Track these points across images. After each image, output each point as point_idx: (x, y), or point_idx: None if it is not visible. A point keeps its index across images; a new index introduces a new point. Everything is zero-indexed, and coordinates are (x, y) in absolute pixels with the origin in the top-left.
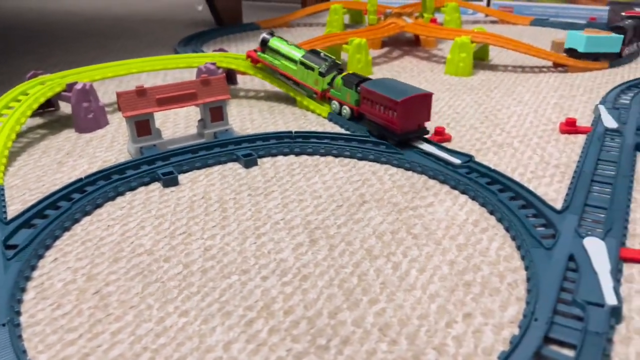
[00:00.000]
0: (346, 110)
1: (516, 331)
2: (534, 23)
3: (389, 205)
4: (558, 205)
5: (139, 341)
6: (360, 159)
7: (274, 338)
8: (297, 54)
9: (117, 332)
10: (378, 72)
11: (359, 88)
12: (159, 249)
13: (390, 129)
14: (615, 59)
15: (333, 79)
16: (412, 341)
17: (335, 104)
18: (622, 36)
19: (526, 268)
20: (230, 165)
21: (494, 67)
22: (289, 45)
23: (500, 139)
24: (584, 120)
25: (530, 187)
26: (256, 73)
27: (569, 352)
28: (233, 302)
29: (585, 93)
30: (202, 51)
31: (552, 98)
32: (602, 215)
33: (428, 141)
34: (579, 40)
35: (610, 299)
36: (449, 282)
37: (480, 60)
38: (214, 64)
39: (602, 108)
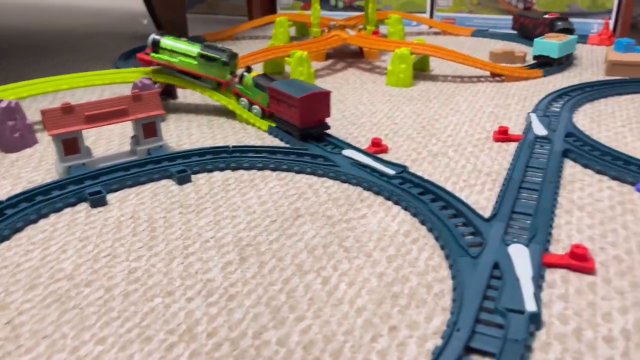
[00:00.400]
0: (257, 109)
1: (440, 342)
2: (474, 34)
3: (323, 219)
4: (487, 213)
5: None
6: (297, 172)
7: None
8: (194, 49)
9: None
10: (321, 84)
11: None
12: (80, 273)
13: (293, 124)
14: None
15: (241, 76)
16: (335, 358)
17: (244, 101)
18: (576, 36)
19: (453, 277)
20: (163, 182)
21: (434, 78)
22: (183, 42)
23: (436, 148)
24: (517, 128)
25: (462, 196)
26: (195, 87)
27: None
28: (154, 326)
29: (520, 102)
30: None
31: (488, 107)
32: (528, 222)
33: (364, 152)
34: (551, 47)
35: (530, 306)
36: (376, 294)
37: (421, 71)
38: (149, 79)
39: (533, 116)
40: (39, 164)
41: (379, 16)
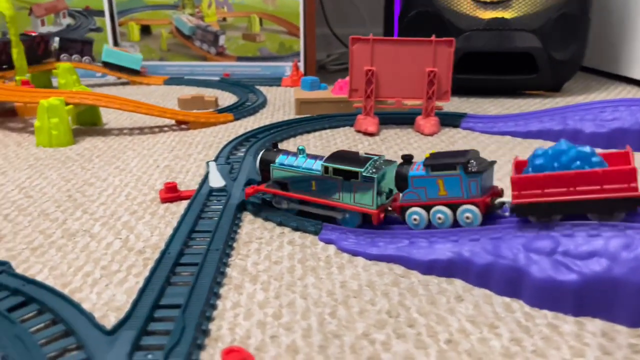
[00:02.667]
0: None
1: None
2: (167, 82)
3: None
4: (122, 316)
5: None
6: None
7: None
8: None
9: None
10: None
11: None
12: None
13: None
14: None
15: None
16: None
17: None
18: (141, 56)
19: None
20: None
21: (106, 132)
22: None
23: (77, 224)
24: (195, 182)
25: (92, 295)
26: None
27: None
28: None
29: (204, 150)
30: None
31: (164, 160)
32: (173, 323)
33: None
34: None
35: None
36: None
37: (93, 125)
38: None
39: (212, 165)
40: None
41: (47, 67)
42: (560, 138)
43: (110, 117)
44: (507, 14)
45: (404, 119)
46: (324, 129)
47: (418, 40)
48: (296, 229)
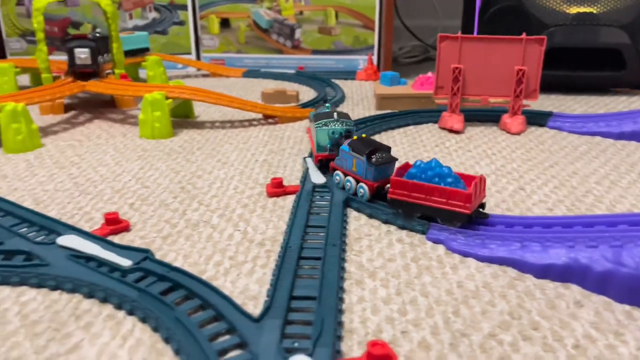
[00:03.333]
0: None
1: None
2: (246, 74)
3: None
4: (259, 305)
5: None
6: None
7: None
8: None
9: None
10: (50, 144)
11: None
12: None
13: None
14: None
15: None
16: None
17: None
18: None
19: None
20: None
21: (199, 125)
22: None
23: (197, 215)
24: (294, 177)
25: (227, 283)
26: None
27: None
28: None
29: (295, 144)
30: None
31: (261, 155)
32: (312, 313)
33: (93, 237)
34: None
35: None
36: None
37: (185, 118)
38: None
39: (309, 161)
40: None
41: (138, 60)
42: None
43: (199, 109)
44: (595, 9)
45: (488, 117)
46: (408, 125)
47: (508, 39)
48: (402, 228)
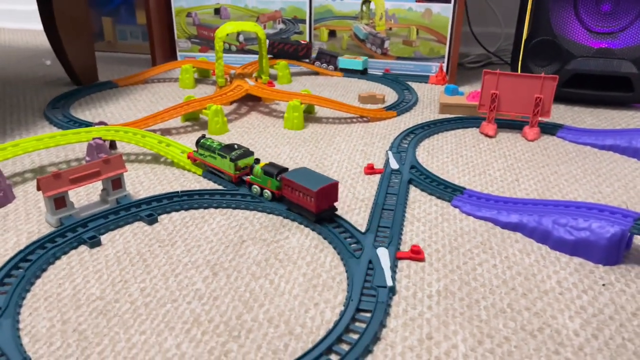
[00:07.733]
0: (267, 193)
1: (342, 308)
2: (346, 75)
3: (260, 242)
4: (363, 229)
5: (119, 354)
6: (234, 208)
7: (205, 337)
8: (216, 147)
9: (102, 351)
10: (232, 129)
11: (278, 177)
12: (107, 294)
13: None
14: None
15: (251, 167)
16: (287, 323)
17: (256, 188)
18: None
19: (346, 271)
20: (136, 224)
21: (318, 120)
22: (213, 142)
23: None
24: (379, 163)
25: (347, 217)
26: (130, 140)
27: (369, 315)
28: (173, 320)
29: (381, 140)
30: (71, 115)
31: (360, 145)
32: (388, 233)
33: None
34: (355, 63)
35: (389, 282)
36: (304, 286)
37: (308, 113)
38: (100, 138)
39: (390, 153)
40: (27, 217)
41: (269, 63)
42: None
43: (316, 107)
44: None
45: (514, 126)
46: (458, 128)
47: (531, 76)
48: (438, 198)
